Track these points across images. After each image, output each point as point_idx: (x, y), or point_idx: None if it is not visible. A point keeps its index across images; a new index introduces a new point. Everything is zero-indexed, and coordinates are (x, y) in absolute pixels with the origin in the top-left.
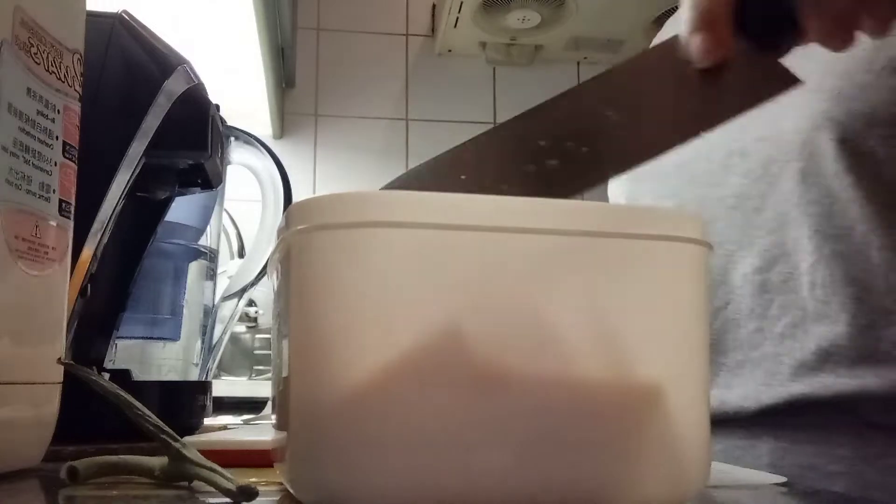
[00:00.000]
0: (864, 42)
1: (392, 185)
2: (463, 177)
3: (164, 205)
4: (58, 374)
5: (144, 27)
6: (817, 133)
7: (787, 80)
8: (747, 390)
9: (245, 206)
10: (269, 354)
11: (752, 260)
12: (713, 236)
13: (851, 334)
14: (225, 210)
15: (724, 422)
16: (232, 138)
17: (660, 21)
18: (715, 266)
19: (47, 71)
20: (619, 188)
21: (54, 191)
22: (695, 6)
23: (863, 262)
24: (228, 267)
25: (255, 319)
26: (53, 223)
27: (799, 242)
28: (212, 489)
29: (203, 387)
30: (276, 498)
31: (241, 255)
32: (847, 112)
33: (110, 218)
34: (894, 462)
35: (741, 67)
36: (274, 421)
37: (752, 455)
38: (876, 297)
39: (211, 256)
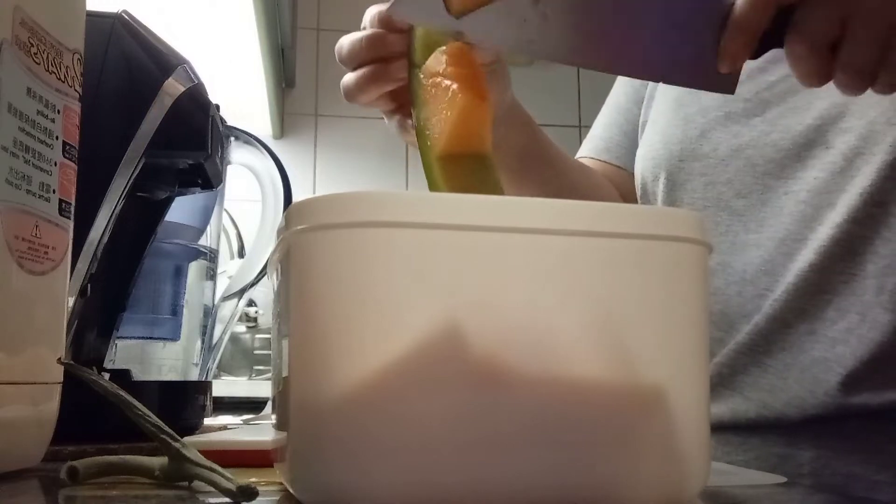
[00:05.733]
0: None
1: None
2: None
3: (164, 205)
4: (58, 374)
5: (144, 27)
6: None
7: (726, 86)
8: (791, 396)
9: (245, 206)
10: (269, 354)
11: (808, 255)
12: (776, 231)
13: None
14: (225, 210)
15: (763, 427)
16: (232, 138)
17: None
18: (768, 260)
19: (47, 71)
20: (651, 165)
21: (54, 191)
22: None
23: None
24: (228, 267)
25: (255, 319)
26: (53, 223)
27: (871, 242)
28: (212, 489)
29: (203, 387)
30: (276, 498)
31: (241, 255)
32: None
33: (110, 218)
34: None
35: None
36: (274, 421)
37: (792, 464)
38: None
39: (211, 256)
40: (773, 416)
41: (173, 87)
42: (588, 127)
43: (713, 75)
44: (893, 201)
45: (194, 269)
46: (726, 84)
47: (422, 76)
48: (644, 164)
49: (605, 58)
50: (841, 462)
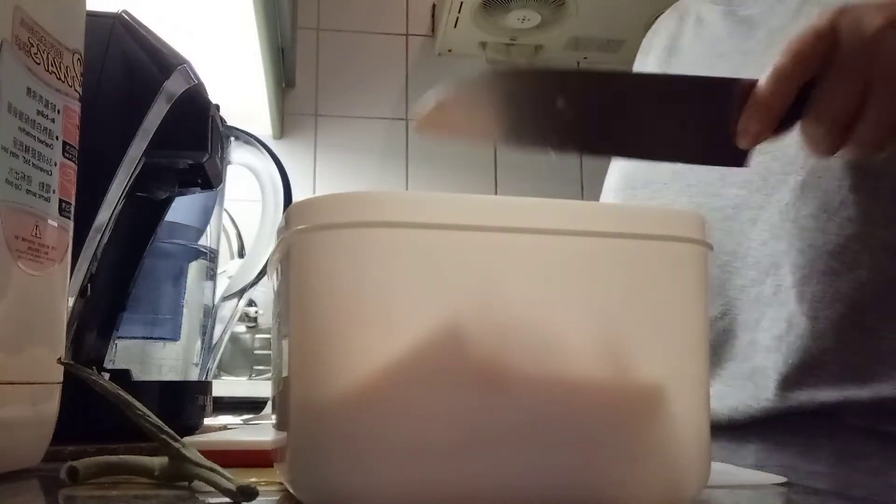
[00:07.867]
0: None
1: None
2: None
3: (164, 205)
4: (58, 374)
5: (144, 27)
6: None
7: (739, 159)
8: (737, 402)
9: (245, 206)
10: (269, 354)
11: (747, 271)
12: (718, 249)
13: (837, 350)
14: (225, 210)
15: (713, 427)
16: (232, 138)
17: None
18: (712, 276)
19: (47, 71)
20: (613, 195)
21: (54, 191)
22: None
23: (853, 279)
24: (228, 267)
25: (255, 319)
26: (53, 223)
27: (789, 255)
28: (212, 489)
29: (203, 387)
30: (276, 498)
31: (241, 255)
32: None
33: (110, 218)
34: (875, 463)
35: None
36: (274, 421)
37: (739, 455)
38: (863, 316)
39: (211, 256)
40: (723, 420)
41: (173, 87)
42: None
43: (726, 151)
44: (804, 216)
45: (194, 269)
46: (739, 158)
47: None
48: (606, 197)
49: (621, 147)
50: (782, 454)
